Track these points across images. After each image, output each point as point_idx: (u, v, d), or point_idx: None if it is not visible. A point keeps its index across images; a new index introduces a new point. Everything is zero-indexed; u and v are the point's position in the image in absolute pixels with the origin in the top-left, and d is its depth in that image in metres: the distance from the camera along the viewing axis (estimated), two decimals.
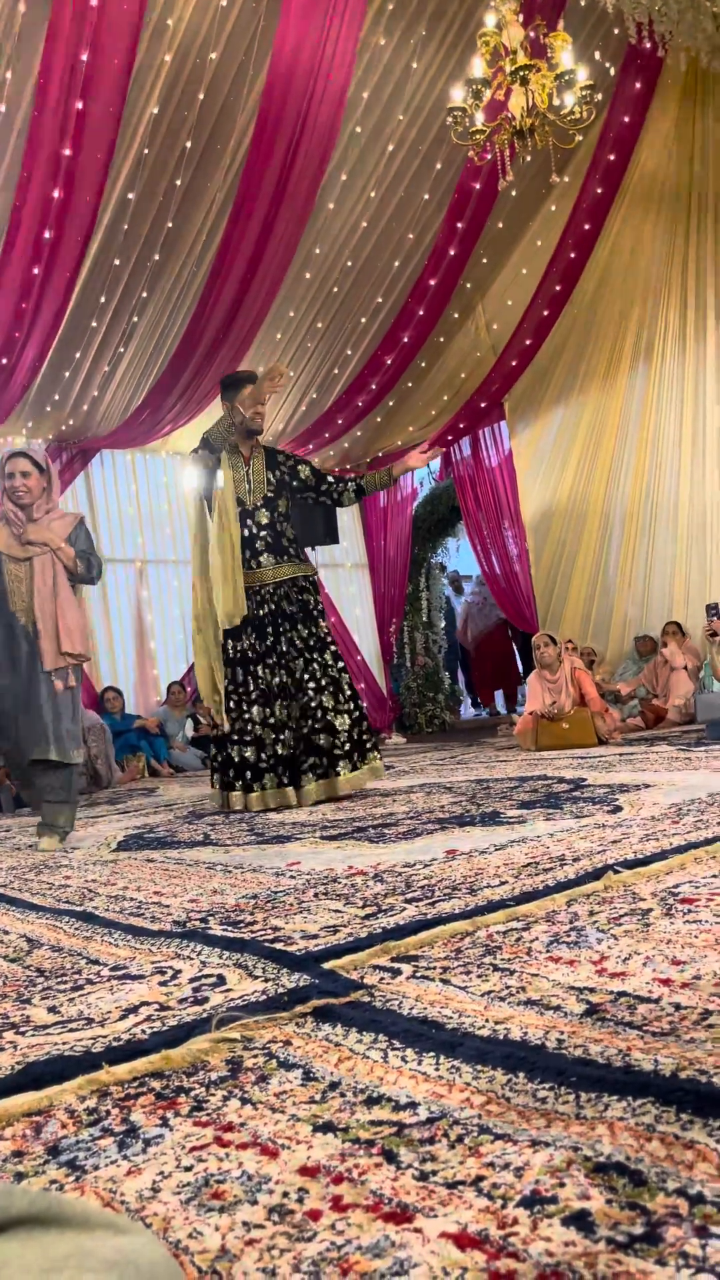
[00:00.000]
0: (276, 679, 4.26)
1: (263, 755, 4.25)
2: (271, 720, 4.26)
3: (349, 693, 4.30)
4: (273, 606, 4.30)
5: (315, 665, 4.27)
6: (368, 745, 4.28)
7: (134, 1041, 1.28)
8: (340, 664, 4.33)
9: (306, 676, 4.26)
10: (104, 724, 7.18)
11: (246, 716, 4.29)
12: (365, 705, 4.43)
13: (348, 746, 4.21)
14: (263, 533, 4.34)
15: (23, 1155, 0.99)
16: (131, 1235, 0.60)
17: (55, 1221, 0.58)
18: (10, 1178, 0.95)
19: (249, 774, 4.26)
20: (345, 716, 4.24)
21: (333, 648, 4.35)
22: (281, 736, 4.24)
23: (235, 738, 4.30)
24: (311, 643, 4.30)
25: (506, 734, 7.53)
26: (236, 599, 4.22)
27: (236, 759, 4.28)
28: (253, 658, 4.30)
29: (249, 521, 4.34)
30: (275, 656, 4.28)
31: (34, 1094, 1.13)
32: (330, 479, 4.53)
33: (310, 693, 4.24)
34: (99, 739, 6.90)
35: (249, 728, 4.28)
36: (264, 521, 4.35)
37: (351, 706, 4.28)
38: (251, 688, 4.29)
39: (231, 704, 4.31)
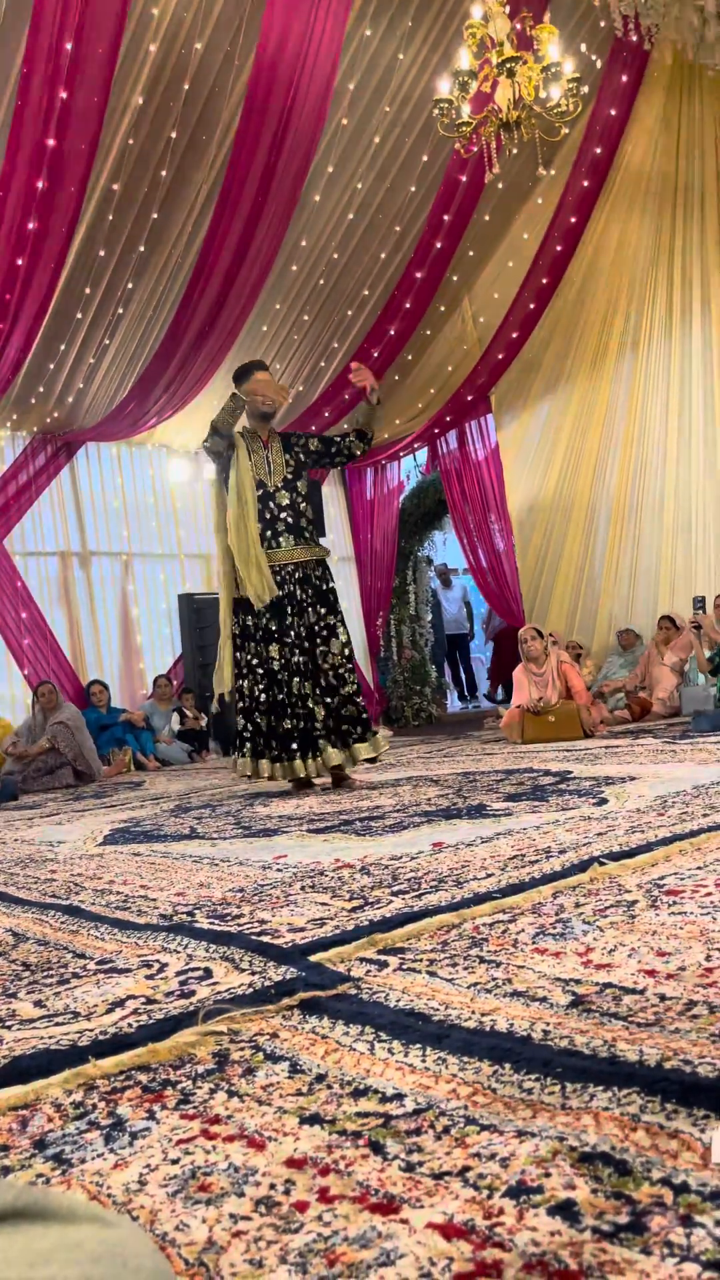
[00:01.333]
0: (295, 658, 4.33)
1: (279, 728, 4.34)
2: (281, 697, 4.33)
3: (353, 676, 4.50)
4: (291, 587, 4.38)
5: (334, 644, 4.40)
6: (369, 722, 4.47)
7: (120, 1035, 1.28)
8: (350, 647, 4.49)
9: (324, 655, 4.38)
10: (81, 716, 7.15)
11: (259, 690, 4.38)
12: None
13: (364, 719, 4.41)
14: (283, 514, 4.43)
15: (9, 1149, 0.99)
16: (118, 1228, 0.60)
17: (41, 1215, 0.58)
18: None
19: (273, 743, 4.36)
20: (356, 698, 4.43)
21: (345, 629, 4.50)
22: (298, 712, 4.32)
23: (260, 710, 4.39)
24: (331, 621, 4.43)
25: (493, 727, 7.54)
26: (264, 579, 4.30)
27: (264, 727, 4.38)
28: (269, 636, 4.36)
29: (270, 503, 4.42)
30: (292, 635, 4.35)
31: (20, 1088, 1.13)
32: (336, 438, 4.64)
33: (329, 670, 4.38)
34: (70, 739, 6.85)
35: (274, 699, 4.35)
36: (284, 503, 4.43)
37: (358, 686, 4.49)
38: (267, 665, 4.36)
39: (247, 681, 4.40)
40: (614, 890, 1.76)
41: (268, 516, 4.39)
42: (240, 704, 4.46)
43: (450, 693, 12.08)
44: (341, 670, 4.39)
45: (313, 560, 4.45)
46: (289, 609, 4.35)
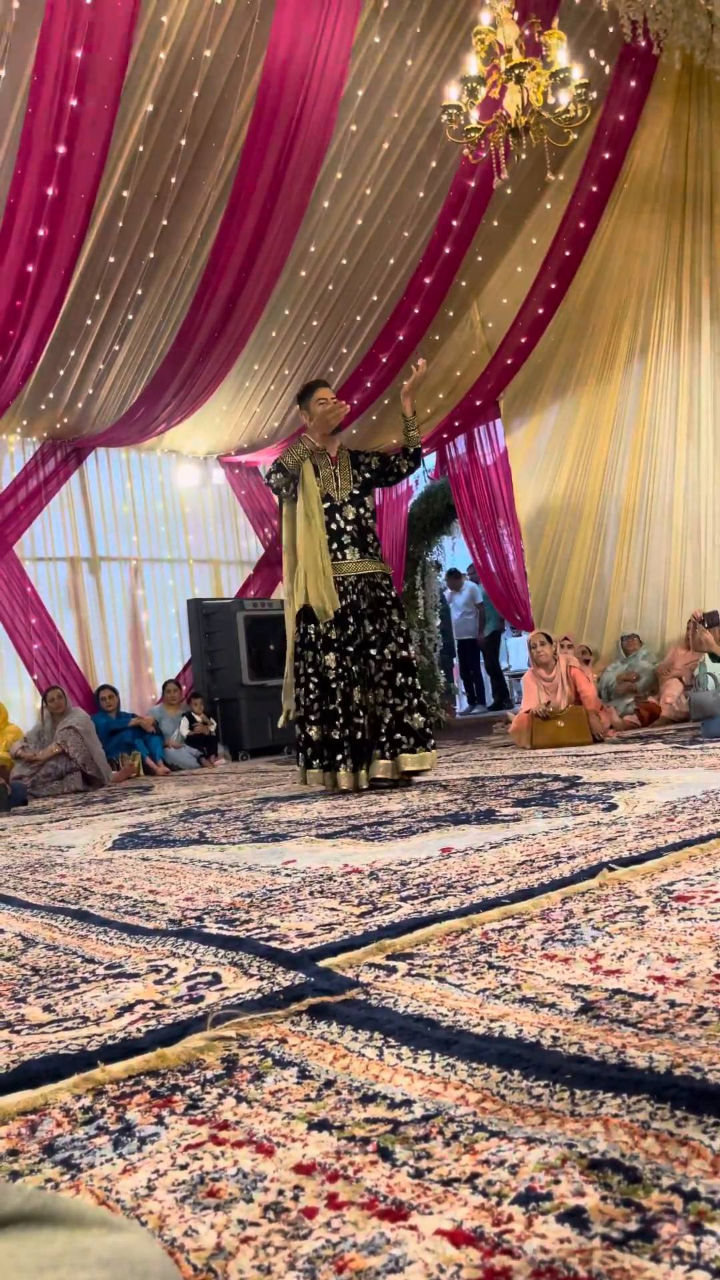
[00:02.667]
0: (356, 667, 4.38)
1: (338, 736, 4.36)
2: (333, 707, 4.36)
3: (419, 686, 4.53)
4: (354, 598, 4.43)
5: (399, 652, 4.44)
6: (427, 735, 4.46)
7: (129, 1040, 1.28)
8: (411, 657, 4.52)
9: (386, 664, 4.41)
10: (90, 721, 7.16)
11: (314, 697, 4.41)
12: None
13: (423, 730, 4.40)
14: (349, 527, 4.50)
15: (18, 1154, 0.99)
16: (126, 1233, 0.60)
17: (49, 1220, 0.58)
18: (5, 1176, 0.95)
19: (325, 751, 4.38)
20: (419, 712, 4.42)
21: (409, 639, 4.54)
22: (357, 722, 4.34)
23: (313, 718, 4.42)
24: (391, 633, 4.46)
25: (502, 732, 7.53)
26: (330, 591, 4.37)
27: (316, 737, 4.40)
28: (328, 645, 4.40)
29: (336, 516, 4.50)
30: (354, 646, 4.39)
31: (29, 1092, 1.13)
32: (391, 455, 4.72)
33: (388, 680, 4.40)
34: (79, 744, 6.86)
35: (325, 709, 4.38)
36: (350, 516, 4.51)
37: (422, 695, 4.49)
38: (325, 674, 4.40)
39: (302, 690, 4.45)
40: (623, 896, 1.75)
41: (334, 529, 4.47)
42: (297, 714, 4.51)
43: (460, 697, 12.05)
44: (407, 679, 4.41)
45: (379, 573, 4.52)
46: (350, 619, 4.40)
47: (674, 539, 7.93)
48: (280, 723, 4.72)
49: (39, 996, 1.56)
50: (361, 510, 4.54)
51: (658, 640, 7.85)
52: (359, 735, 4.33)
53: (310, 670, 4.44)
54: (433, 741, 4.43)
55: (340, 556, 4.45)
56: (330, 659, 4.37)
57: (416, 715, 4.37)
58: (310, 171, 6.57)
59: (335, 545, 4.46)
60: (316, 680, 4.41)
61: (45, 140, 5.45)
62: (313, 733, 4.40)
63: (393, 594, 4.56)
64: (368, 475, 4.61)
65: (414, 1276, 0.70)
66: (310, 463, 4.52)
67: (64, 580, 8.65)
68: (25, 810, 5.80)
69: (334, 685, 4.35)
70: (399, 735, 4.33)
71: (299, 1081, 1.09)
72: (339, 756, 4.32)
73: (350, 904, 1.97)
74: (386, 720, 4.33)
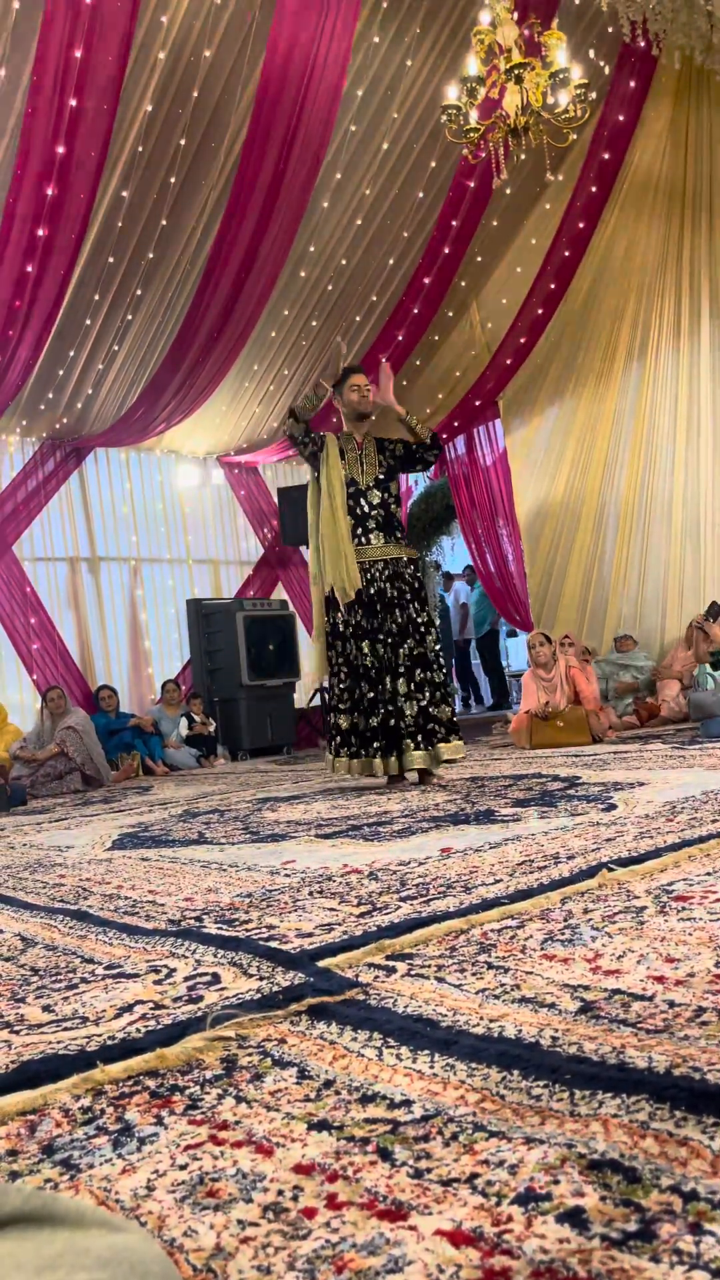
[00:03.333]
0: (385, 654, 4.36)
1: (363, 725, 4.37)
2: (371, 695, 4.36)
3: (444, 675, 4.52)
4: (383, 585, 4.42)
5: (428, 641, 4.43)
6: (456, 723, 4.45)
7: (129, 1040, 1.28)
8: (439, 646, 4.51)
9: (417, 653, 4.38)
10: (90, 721, 7.16)
11: (344, 687, 4.42)
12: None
13: (451, 721, 4.40)
14: (374, 511, 4.49)
15: (17, 1154, 0.99)
16: (126, 1233, 0.60)
17: (49, 1220, 0.58)
18: (4, 1176, 0.95)
19: (354, 740, 4.40)
20: (446, 702, 4.43)
21: (434, 630, 4.53)
22: (387, 710, 4.33)
23: (342, 707, 4.43)
24: (423, 619, 4.46)
25: (501, 732, 7.53)
26: (351, 573, 4.34)
27: (345, 726, 4.42)
28: (360, 633, 4.40)
29: (361, 500, 4.49)
30: (383, 634, 4.38)
31: (29, 1092, 1.13)
32: (414, 445, 4.70)
33: (421, 667, 4.37)
34: (78, 744, 6.86)
35: (355, 698, 4.39)
36: (375, 501, 4.50)
37: (449, 685, 4.47)
38: (357, 662, 4.40)
39: (341, 675, 4.44)
40: (623, 896, 1.75)
41: (359, 513, 4.46)
42: (329, 702, 4.53)
43: (458, 696, 12.04)
44: (434, 668, 4.41)
45: (405, 558, 4.51)
46: (378, 606, 4.40)
47: (673, 538, 7.93)
48: (313, 700, 4.72)
49: (38, 997, 1.56)
50: (386, 495, 4.53)
51: (657, 640, 7.84)
52: (390, 723, 4.32)
53: (340, 659, 4.43)
54: (459, 732, 4.43)
55: (365, 541, 4.44)
56: (365, 646, 4.37)
57: (444, 706, 4.39)
58: (310, 171, 6.57)
59: (360, 530, 4.45)
60: (347, 669, 4.41)
61: (45, 140, 5.45)
62: (342, 721, 4.41)
63: (417, 581, 4.55)
64: (393, 461, 4.61)
65: (413, 1277, 0.70)
66: (336, 444, 4.52)
67: (63, 580, 8.65)
68: (25, 810, 5.80)
69: (370, 674, 4.35)
70: (432, 726, 4.33)
71: (298, 1082, 1.09)
72: (375, 745, 4.32)
73: (350, 904, 1.97)
74: (411, 712, 4.31)
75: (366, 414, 4.62)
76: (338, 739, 4.44)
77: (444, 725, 4.35)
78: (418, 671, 4.36)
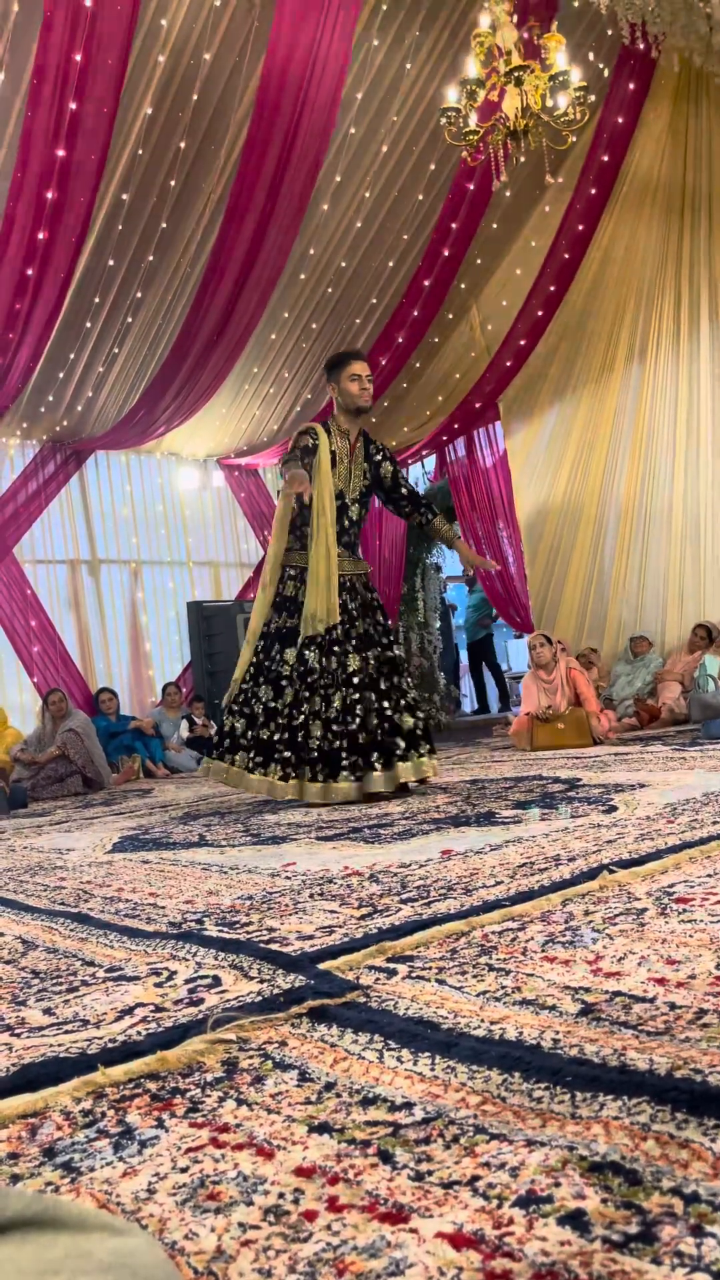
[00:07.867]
0: (341, 667, 4.10)
1: (261, 735, 4.11)
2: (273, 705, 4.11)
3: (409, 686, 4.25)
4: (344, 598, 4.20)
5: (395, 650, 4.24)
6: (427, 735, 4.18)
7: (130, 1043, 1.28)
8: (402, 658, 4.29)
9: (373, 666, 4.16)
10: (90, 723, 7.16)
11: (246, 688, 4.19)
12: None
13: (418, 732, 4.12)
14: (351, 528, 4.30)
15: (18, 1157, 0.99)
16: (127, 1236, 0.60)
17: (51, 1223, 0.58)
18: (6, 1180, 0.95)
19: (228, 743, 4.17)
20: (408, 713, 4.15)
21: (393, 641, 4.30)
22: (306, 725, 4.04)
23: (235, 708, 4.20)
24: (386, 630, 4.27)
25: (502, 734, 7.53)
26: (331, 604, 4.07)
27: (239, 730, 4.17)
28: (287, 639, 4.18)
29: (344, 516, 4.25)
30: (339, 646, 4.13)
31: (29, 1096, 1.13)
32: (404, 495, 4.44)
33: (373, 681, 4.13)
34: (79, 747, 6.86)
35: (271, 707, 4.13)
36: (354, 518, 4.31)
37: (412, 699, 4.21)
38: (274, 668, 4.16)
39: (248, 676, 4.20)
40: (623, 898, 1.75)
41: (338, 528, 4.19)
42: (226, 702, 4.29)
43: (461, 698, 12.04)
44: (393, 679, 4.18)
45: (362, 573, 4.34)
46: (345, 620, 4.17)
47: (673, 540, 7.93)
48: (196, 731, 4.47)
49: (39, 999, 1.56)
50: (363, 511, 4.35)
51: (657, 642, 7.84)
52: (299, 738, 4.02)
53: (262, 659, 4.19)
54: (428, 746, 4.11)
55: (340, 556, 4.24)
56: (289, 654, 4.12)
57: (405, 716, 4.11)
58: (309, 174, 6.58)
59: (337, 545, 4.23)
60: (256, 670, 4.18)
61: (45, 143, 5.46)
62: (239, 724, 4.14)
63: (375, 592, 4.38)
64: (374, 471, 4.35)
65: (414, 1279, 0.70)
66: (329, 450, 4.19)
67: (64, 583, 8.66)
68: (25, 813, 5.80)
69: (282, 684, 4.10)
70: (394, 740, 4.03)
71: (299, 1084, 1.09)
72: (277, 757, 4.03)
73: (350, 906, 1.97)
74: (374, 724, 4.05)
75: (364, 409, 4.32)
76: (227, 742, 4.17)
77: (406, 737, 4.06)
78: (383, 679, 4.14)
